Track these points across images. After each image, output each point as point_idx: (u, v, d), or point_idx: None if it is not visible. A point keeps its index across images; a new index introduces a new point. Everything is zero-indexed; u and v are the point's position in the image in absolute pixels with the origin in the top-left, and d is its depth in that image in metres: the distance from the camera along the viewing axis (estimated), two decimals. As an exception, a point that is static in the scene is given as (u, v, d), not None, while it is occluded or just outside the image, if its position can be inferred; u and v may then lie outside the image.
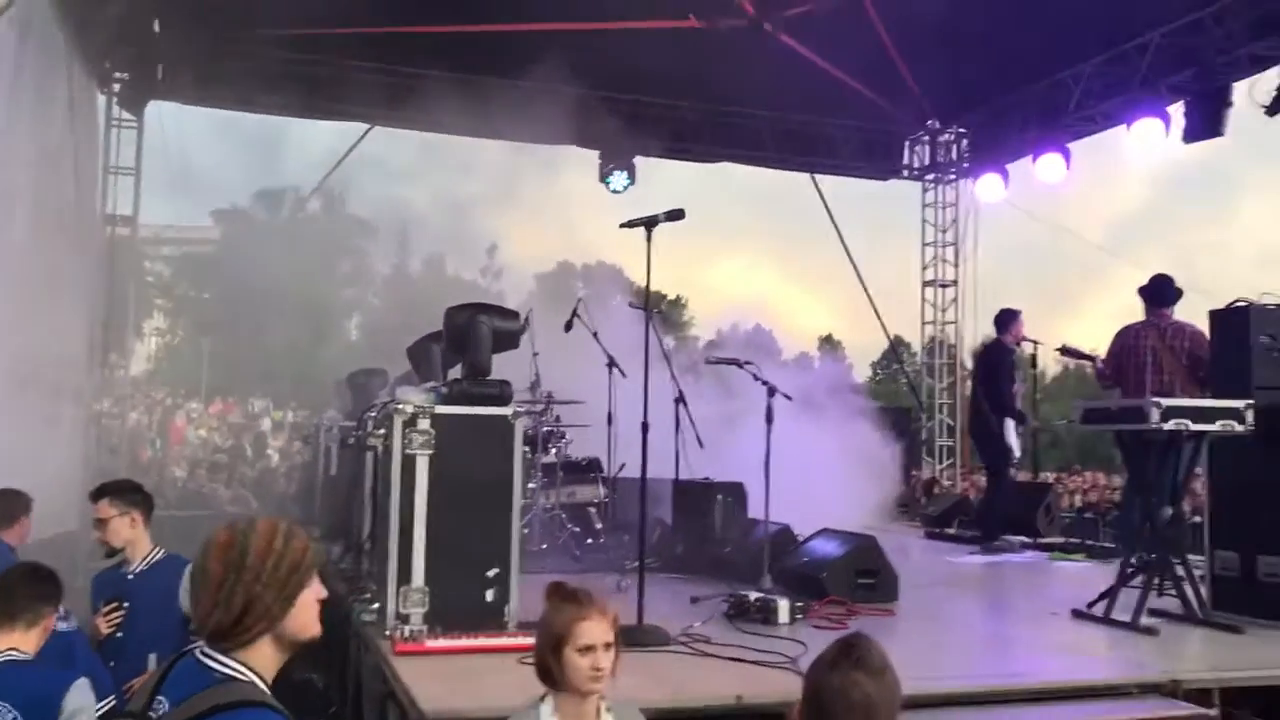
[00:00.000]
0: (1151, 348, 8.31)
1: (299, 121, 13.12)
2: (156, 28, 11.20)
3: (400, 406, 5.11)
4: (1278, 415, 5.82)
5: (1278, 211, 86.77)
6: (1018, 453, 9.95)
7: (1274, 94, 9.92)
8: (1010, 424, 9.70)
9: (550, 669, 2.87)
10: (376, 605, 5.27)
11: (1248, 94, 10.18)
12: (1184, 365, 8.14)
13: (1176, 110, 11.00)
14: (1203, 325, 7.38)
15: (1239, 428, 5.68)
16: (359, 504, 6.69)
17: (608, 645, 2.85)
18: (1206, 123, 10.60)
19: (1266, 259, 79.38)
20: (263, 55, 12.00)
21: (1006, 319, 10.09)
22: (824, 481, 9.45)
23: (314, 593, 2.23)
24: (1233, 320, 6.30)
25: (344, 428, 8.40)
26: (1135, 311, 8.66)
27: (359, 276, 45.53)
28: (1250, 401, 5.70)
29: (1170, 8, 10.65)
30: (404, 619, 4.98)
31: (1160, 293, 8.44)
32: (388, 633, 4.92)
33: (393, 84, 12.67)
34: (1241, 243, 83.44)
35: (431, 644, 4.78)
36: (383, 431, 5.33)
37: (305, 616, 2.22)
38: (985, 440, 9.93)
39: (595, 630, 2.84)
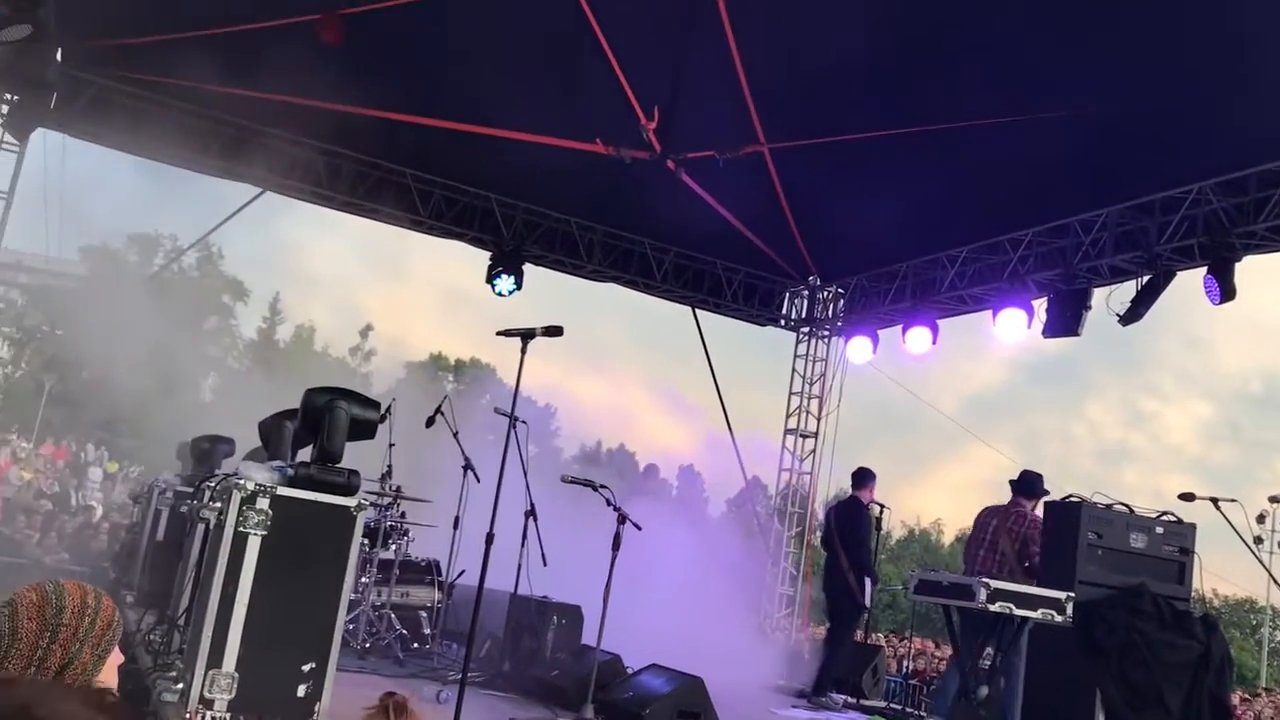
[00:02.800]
0: (993, 528, 8.62)
1: (187, 173, 12.85)
2: (59, 56, 10.94)
3: (241, 482, 4.95)
4: (1093, 611, 6.09)
5: (1118, 413, 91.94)
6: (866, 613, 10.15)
7: (1128, 305, 10.59)
8: (869, 583, 9.92)
9: None
10: (181, 685, 5.00)
11: (1105, 301, 10.82)
12: (1015, 549, 8.45)
13: (1040, 304, 11.64)
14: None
15: (1058, 618, 5.90)
16: (181, 575, 6.40)
17: None
18: (1066, 321, 11.21)
19: (1105, 455, 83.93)
20: (167, 104, 11.86)
21: (865, 478, 10.40)
22: (671, 613, 9.42)
23: (116, 656, 2.22)
24: (1066, 514, 6.61)
25: (179, 492, 8.07)
26: (982, 486, 9.06)
27: (223, 336, 44.34)
28: (1071, 594, 5.95)
29: (1044, 209, 11.36)
30: (207, 703, 4.73)
31: (1027, 485, 8.68)
32: (187, 715, 4.66)
33: (294, 154, 12.65)
34: (1086, 437, 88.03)
35: (231, 735, 4.54)
36: (218, 505, 5.13)
37: (111, 679, 2.19)
38: (839, 595, 10.03)
39: None
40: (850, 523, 10.20)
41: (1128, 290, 10.82)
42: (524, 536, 7.21)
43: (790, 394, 15.56)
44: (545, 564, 7.26)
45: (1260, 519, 29.36)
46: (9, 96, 11.45)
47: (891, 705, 10.32)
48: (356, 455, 5.58)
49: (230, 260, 44.33)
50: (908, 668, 14.26)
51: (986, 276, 12.44)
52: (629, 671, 7.09)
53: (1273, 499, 31.76)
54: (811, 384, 15.44)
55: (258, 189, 13.12)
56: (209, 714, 4.66)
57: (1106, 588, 6.29)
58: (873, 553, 10.31)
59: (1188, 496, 7.09)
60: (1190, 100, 8.69)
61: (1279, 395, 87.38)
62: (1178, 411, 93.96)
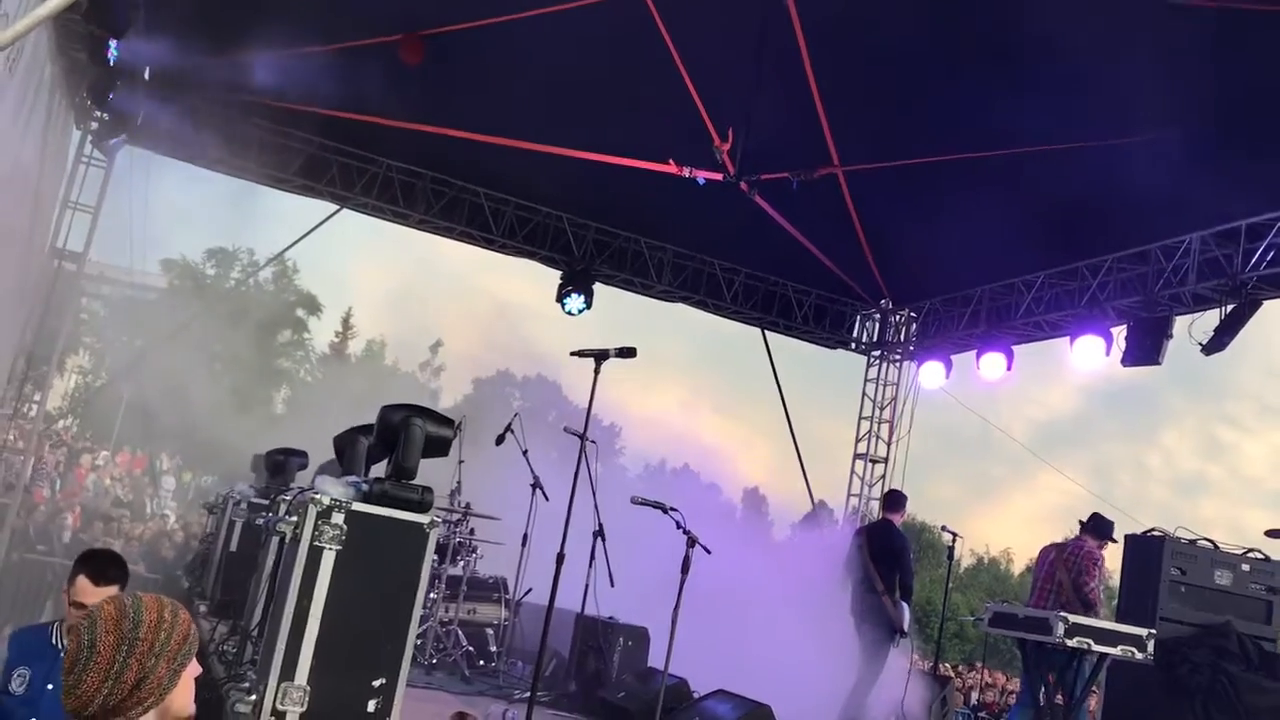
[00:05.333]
0: (1051, 560, 8.55)
1: (266, 190, 13.14)
2: (147, 75, 11.23)
3: (318, 496, 4.99)
4: (1177, 649, 5.90)
5: (1195, 443, 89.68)
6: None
7: (1211, 334, 10.31)
8: (906, 607, 9.69)
9: None
10: (254, 696, 5.04)
11: (1187, 329, 10.55)
12: (1071, 579, 8.33)
13: (1119, 332, 11.39)
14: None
15: (1139, 655, 5.73)
16: (255, 586, 6.47)
17: None
18: (1146, 350, 10.94)
19: (1180, 486, 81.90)
20: (247, 122, 12.14)
21: (899, 501, 10.24)
22: (742, 638, 9.33)
23: (193, 669, 2.24)
24: (1147, 548, 6.44)
25: (253, 504, 8.18)
26: (1053, 515, 8.91)
27: (296, 350, 45.10)
28: (1153, 631, 5.78)
29: (1125, 235, 11.12)
30: (279, 715, 4.76)
31: (1095, 527, 8.57)
32: (259, 727, 4.70)
33: (371, 171, 12.91)
34: (1160, 467, 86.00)
35: (303, 749, 4.57)
36: (295, 519, 5.18)
37: (187, 693, 2.23)
38: (876, 619, 9.74)
39: None
40: (896, 548, 9.95)
41: (1210, 318, 10.55)
42: (591, 556, 7.21)
43: (860, 418, 15.39)
44: (613, 584, 7.25)
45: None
46: (98, 114, 11.78)
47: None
48: (427, 471, 5.62)
49: (305, 275, 45.17)
50: (977, 700, 13.98)
51: (1064, 303, 12.20)
52: (695, 696, 7.03)
53: (1359, 536, 30.68)
54: (882, 408, 15.26)
55: (335, 206, 13.35)
56: (280, 726, 4.70)
57: (1190, 625, 6.10)
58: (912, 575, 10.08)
59: (1275, 533, 6.87)
60: (1277, 126, 8.47)
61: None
62: (1257, 442, 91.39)
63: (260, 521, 7.05)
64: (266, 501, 7.21)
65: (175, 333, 19.49)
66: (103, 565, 4.28)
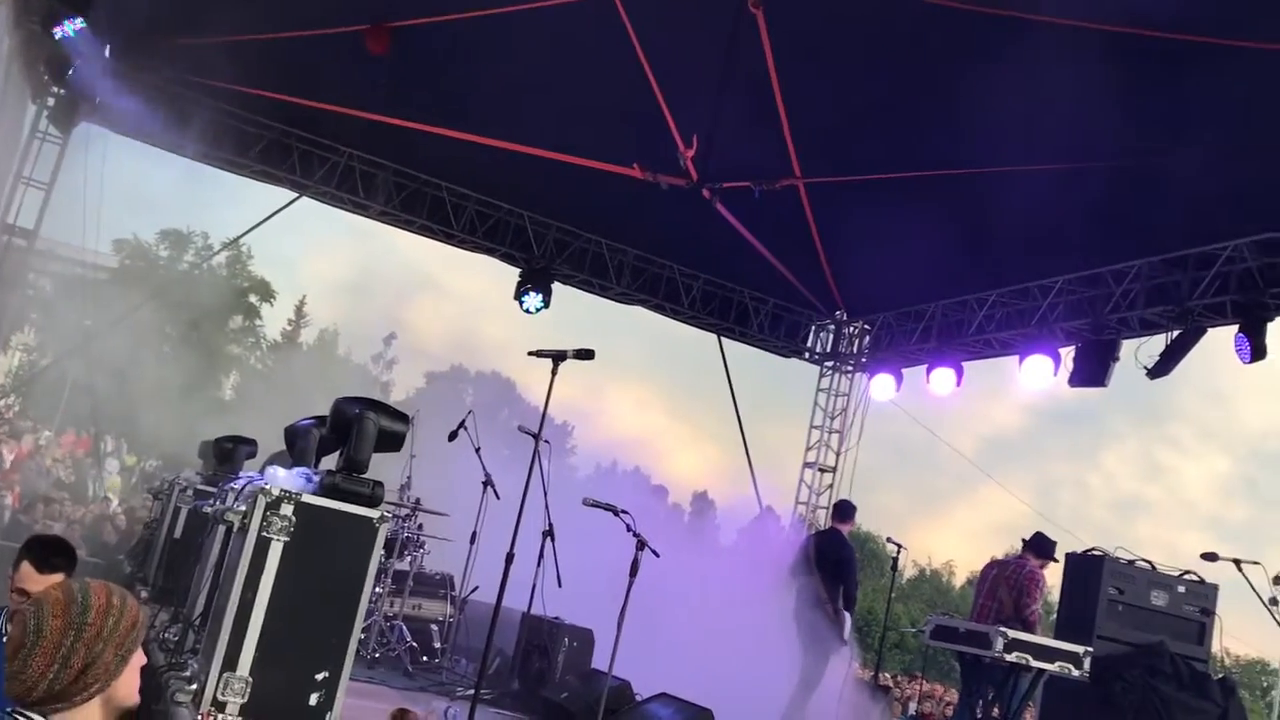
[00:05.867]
0: (994, 577, 8.69)
1: (224, 174, 13.00)
2: (108, 54, 11.08)
3: (267, 486, 4.97)
4: (1112, 667, 6.03)
5: (1135, 465, 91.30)
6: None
7: (1157, 359, 10.52)
8: (848, 617, 9.79)
9: None
10: (195, 686, 5.01)
11: (1134, 353, 10.76)
12: (1012, 599, 8.49)
13: (1067, 353, 11.57)
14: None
15: (1075, 672, 5.85)
16: (199, 575, 6.41)
17: None
18: (1092, 371, 11.13)
19: (1119, 507, 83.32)
20: (208, 105, 11.99)
21: (848, 511, 10.34)
22: (688, 643, 9.35)
23: (139, 658, 2.24)
24: (1086, 567, 6.56)
25: (200, 491, 8.09)
26: (996, 530, 9.04)
27: (247, 336, 44.55)
28: (1089, 649, 5.90)
29: (1076, 258, 11.31)
30: (220, 706, 4.74)
31: (1038, 545, 8.74)
32: (200, 715, 4.67)
33: (331, 160, 12.82)
34: (1101, 487, 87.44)
35: (242, 739, 4.54)
36: (243, 508, 5.15)
37: (133, 681, 2.23)
38: (818, 626, 9.81)
39: None
40: (842, 558, 10.04)
41: (1156, 343, 10.77)
42: (540, 556, 7.21)
43: (811, 427, 15.52)
44: (560, 585, 7.25)
45: (1277, 580, 28.97)
46: (56, 90, 11.60)
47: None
48: (377, 464, 5.60)
49: (260, 261, 44.58)
50: (915, 710, 14.14)
51: (1014, 322, 12.38)
52: (638, 699, 7.06)
53: (1291, 560, 31.41)
54: (832, 418, 15.40)
55: (294, 194, 13.24)
56: (221, 717, 4.67)
57: (1125, 644, 6.23)
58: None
59: (1210, 556, 7.03)
60: (1229, 156, 8.67)
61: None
62: (1196, 466, 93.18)
63: (207, 509, 6.98)
64: (213, 489, 7.14)
65: (125, 314, 19.20)
66: (48, 552, 4.21)
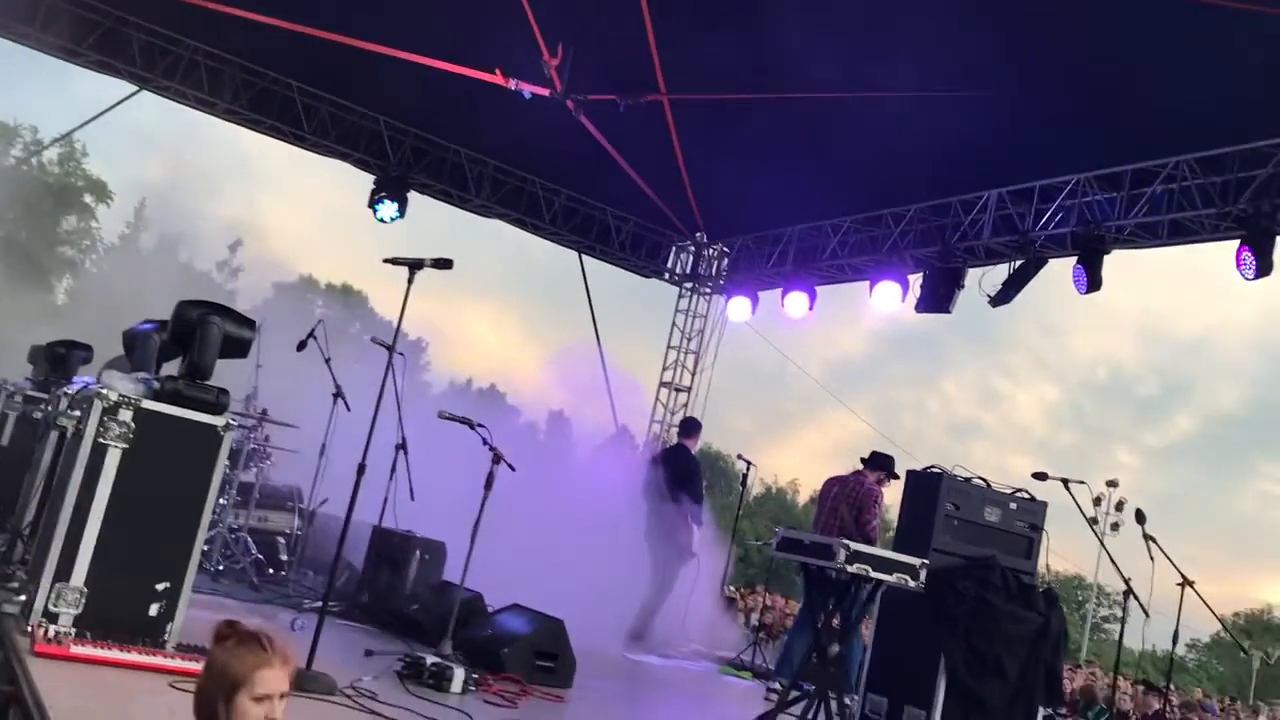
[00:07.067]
0: (834, 495, 9.13)
1: (57, 63, 12.13)
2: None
3: (104, 391, 4.74)
4: (945, 579, 6.32)
5: (971, 391, 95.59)
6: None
7: (999, 288, 10.96)
8: (697, 529, 10.09)
9: (216, 713, 2.66)
10: (23, 597, 4.80)
11: (978, 282, 11.17)
12: (853, 516, 8.89)
13: (915, 279, 11.94)
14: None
15: (911, 584, 6.10)
16: (30, 484, 6.12)
17: (283, 695, 2.69)
18: (938, 298, 11.53)
19: (957, 430, 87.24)
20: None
21: (694, 427, 10.70)
22: (542, 556, 9.40)
23: None
24: (926, 483, 6.81)
25: (30, 397, 7.68)
26: (840, 450, 9.47)
27: (82, 239, 42.30)
28: (925, 561, 6.15)
29: (928, 187, 11.62)
30: (51, 617, 4.55)
31: (876, 462, 9.37)
32: (29, 628, 4.48)
33: (175, 54, 12.10)
34: (939, 411, 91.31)
35: (77, 650, 4.38)
36: (77, 414, 4.92)
37: None
38: (668, 538, 10.07)
39: (275, 679, 2.65)
40: (687, 470, 10.34)
41: (999, 273, 11.21)
42: (393, 469, 7.12)
43: (668, 348, 15.66)
44: (413, 498, 7.19)
45: (1096, 501, 30.93)
46: None
47: (740, 657, 10.56)
48: (222, 374, 5.40)
49: (95, 159, 42.13)
50: (758, 620, 14.62)
51: (867, 248, 12.69)
52: (490, 610, 7.08)
53: (1109, 483, 33.45)
54: (689, 339, 15.57)
55: (133, 87, 12.48)
56: (53, 628, 4.49)
57: (959, 557, 6.52)
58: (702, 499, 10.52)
59: (1040, 476, 7.42)
60: (1077, 92, 8.97)
61: (1121, 383, 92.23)
62: (1027, 394, 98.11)
63: (37, 415, 6.65)
64: (44, 395, 6.78)
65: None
66: None
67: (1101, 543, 9.01)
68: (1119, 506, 32.44)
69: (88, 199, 41.97)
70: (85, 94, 13.93)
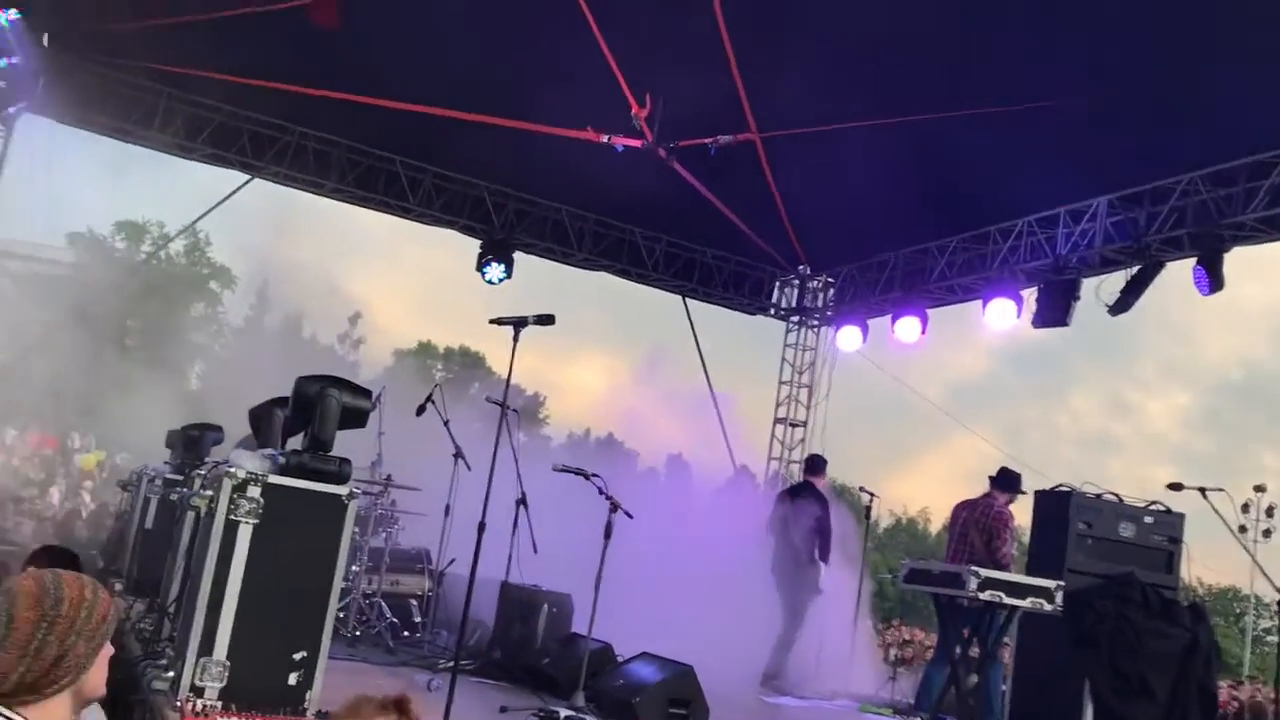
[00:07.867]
0: (963, 520, 8.87)
1: (176, 160, 12.79)
2: (45, 41, 10.85)
3: (233, 470, 4.93)
4: (1082, 600, 6.12)
5: (1101, 403, 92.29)
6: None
7: (1118, 296, 10.62)
8: (824, 568, 9.94)
9: None
10: (171, 673, 4.99)
11: (1095, 291, 10.86)
12: (983, 542, 8.63)
13: (1030, 294, 11.66)
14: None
15: (1048, 606, 5.92)
16: (171, 563, 6.38)
17: None
18: (1055, 312, 11.23)
19: (1088, 444, 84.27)
20: (157, 90, 11.81)
21: (819, 465, 10.50)
22: (664, 602, 9.39)
23: (108, 650, 2.21)
24: (1055, 503, 6.63)
25: (169, 480, 8.04)
26: (968, 475, 9.17)
27: (209, 324, 44.10)
28: (1061, 583, 5.97)
29: (1034, 200, 11.38)
30: (198, 691, 4.72)
31: (1004, 481, 8.94)
32: (179, 702, 4.65)
33: (283, 140, 12.65)
34: (1069, 426, 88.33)
35: (222, 721, 4.54)
36: (210, 493, 5.12)
37: (101, 673, 2.20)
38: (796, 575, 9.96)
39: None
40: (809, 507, 10.19)
41: (1116, 280, 10.88)
42: (515, 524, 7.22)
43: (780, 383, 15.58)
44: (536, 551, 7.27)
45: (1244, 508, 29.46)
46: (-4, 82, 11.37)
47: (880, 694, 10.34)
48: (346, 443, 5.57)
49: (218, 248, 44.04)
50: (896, 655, 14.32)
51: (976, 266, 12.47)
52: (619, 660, 7.09)
53: (1257, 488, 31.80)
54: (801, 373, 15.46)
55: (246, 176, 13.07)
56: (200, 702, 4.65)
57: (1095, 576, 6.32)
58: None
59: (1176, 486, 7.13)
60: (1179, 90, 8.71)
61: (1258, 383, 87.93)
62: (1159, 401, 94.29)
63: (175, 497, 6.95)
64: (181, 477, 7.09)
65: (85, 308, 18.97)
66: (54, 561, 4.16)
67: (1248, 550, 8.60)
68: (1269, 512, 30.80)
69: (213, 285, 43.81)
70: (202, 184, 14.60)
